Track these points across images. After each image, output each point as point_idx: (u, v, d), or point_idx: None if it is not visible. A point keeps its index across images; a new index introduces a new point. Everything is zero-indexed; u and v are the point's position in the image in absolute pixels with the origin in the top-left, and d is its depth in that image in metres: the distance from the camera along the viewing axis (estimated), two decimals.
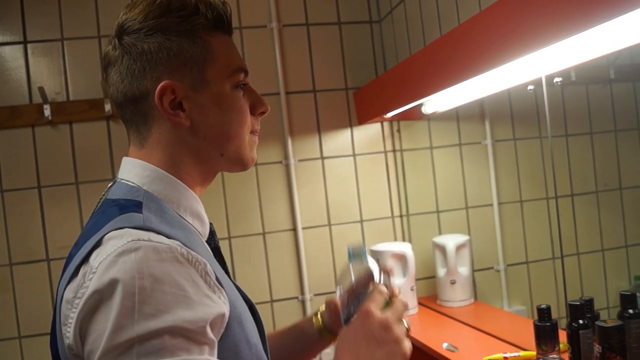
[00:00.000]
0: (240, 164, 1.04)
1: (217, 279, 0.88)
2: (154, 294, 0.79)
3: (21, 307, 2.32)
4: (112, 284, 0.79)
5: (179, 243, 0.85)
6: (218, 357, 0.85)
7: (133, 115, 0.99)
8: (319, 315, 1.32)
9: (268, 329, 1.08)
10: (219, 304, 0.85)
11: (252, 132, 1.05)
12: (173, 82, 0.95)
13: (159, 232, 0.86)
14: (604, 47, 1.37)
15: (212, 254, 1.02)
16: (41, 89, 2.27)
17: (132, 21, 0.97)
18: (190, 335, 0.80)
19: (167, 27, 0.96)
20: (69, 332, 0.82)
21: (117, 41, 0.98)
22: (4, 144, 2.34)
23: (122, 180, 0.99)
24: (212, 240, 1.07)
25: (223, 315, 0.86)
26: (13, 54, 2.36)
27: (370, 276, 1.12)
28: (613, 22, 1.14)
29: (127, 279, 0.79)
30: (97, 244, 0.85)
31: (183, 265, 0.83)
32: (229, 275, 1.06)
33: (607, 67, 1.80)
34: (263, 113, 1.06)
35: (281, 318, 2.55)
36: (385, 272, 1.16)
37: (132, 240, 0.82)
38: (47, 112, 2.31)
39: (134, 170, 0.99)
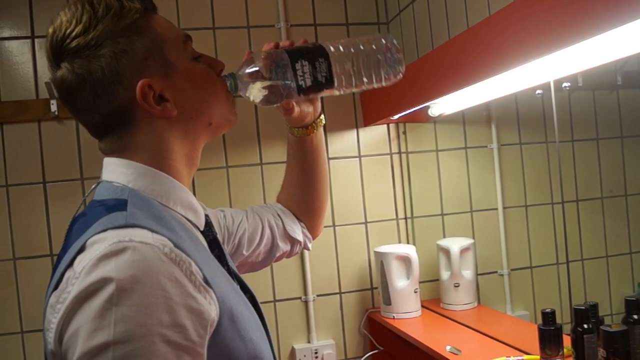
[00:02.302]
0: (228, 121, 1.07)
1: (204, 278, 0.84)
2: (133, 296, 0.76)
3: (24, 302, 2.32)
4: (91, 287, 0.77)
5: (164, 240, 0.83)
6: (208, 357, 0.83)
7: (115, 127, 0.96)
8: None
9: (270, 331, 1.07)
10: (204, 306, 0.82)
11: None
12: (146, 80, 0.93)
13: (143, 227, 0.83)
14: (613, 53, 1.37)
15: (206, 246, 1.01)
16: (48, 84, 2.27)
17: (73, 40, 0.92)
18: (171, 340, 0.77)
19: (110, 31, 0.92)
20: (50, 338, 0.80)
21: (69, 66, 0.93)
22: (10, 138, 2.34)
23: (106, 182, 0.97)
24: (210, 232, 1.06)
25: (213, 321, 0.83)
26: (20, 49, 2.36)
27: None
28: (622, 29, 1.14)
29: (106, 283, 0.76)
30: (81, 249, 0.83)
31: (166, 264, 0.80)
32: (227, 266, 1.06)
33: (615, 73, 1.80)
34: (222, 70, 1.07)
35: (284, 318, 2.55)
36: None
37: (114, 243, 0.79)
38: (53, 107, 2.32)
39: (117, 170, 0.97)
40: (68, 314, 0.78)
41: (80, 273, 0.79)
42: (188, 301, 0.80)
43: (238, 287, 1.03)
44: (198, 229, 1.02)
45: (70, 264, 0.82)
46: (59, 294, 0.81)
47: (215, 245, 1.05)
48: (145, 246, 0.80)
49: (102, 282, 0.76)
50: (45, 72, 2.35)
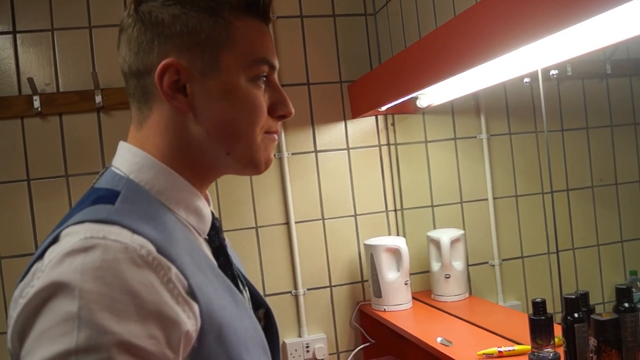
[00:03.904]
0: (252, 166, 0.92)
1: (189, 287, 0.77)
2: (100, 300, 0.68)
3: (9, 301, 2.28)
4: (52, 286, 0.70)
5: (144, 242, 0.75)
6: None
7: (135, 89, 0.91)
8: None
9: None
10: (180, 317, 0.74)
11: (268, 132, 0.92)
12: (179, 61, 0.86)
13: (124, 226, 0.76)
14: (601, 40, 1.36)
15: (209, 254, 0.93)
16: (30, 80, 2.24)
17: None
18: (142, 354, 0.69)
19: (189, 1, 0.87)
20: (8, 335, 0.74)
21: (133, 7, 0.89)
22: None
23: (112, 168, 0.90)
24: (217, 238, 0.97)
25: (186, 333, 0.75)
26: (2, 44, 2.32)
27: None
28: (610, 14, 1.13)
29: (70, 282, 0.69)
30: (54, 240, 0.76)
31: (140, 269, 0.72)
32: (233, 276, 0.97)
33: (604, 62, 1.79)
34: (284, 117, 0.93)
35: (274, 313, 2.52)
36: None
37: (84, 238, 0.73)
38: (36, 103, 2.29)
39: (125, 156, 0.91)
40: (30, 314, 0.71)
41: (46, 267, 0.73)
42: (161, 310, 0.72)
43: (245, 299, 0.97)
44: (201, 235, 0.94)
45: (41, 256, 0.76)
46: (22, 287, 0.74)
47: (220, 253, 0.97)
48: (118, 245, 0.73)
49: (66, 282, 0.70)
50: (27, 68, 2.32)
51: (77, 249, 0.72)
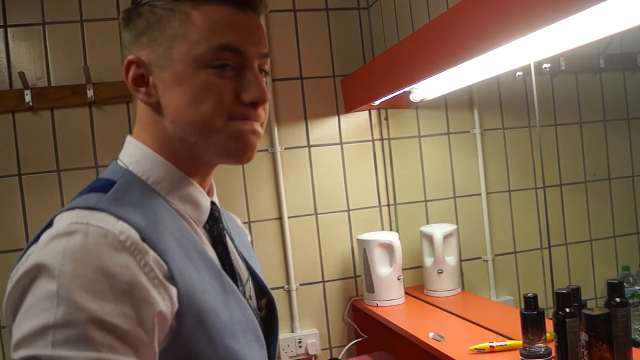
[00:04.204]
0: (225, 155, 0.94)
1: (168, 272, 0.81)
2: (77, 280, 0.74)
3: (2, 296, 2.27)
4: (36, 267, 0.76)
5: (126, 228, 0.80)
6: (168, 357, 0.81)
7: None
8: None
9: None
10: (155, 300, 0.78)
11: (233, 119, 0.91)
12: (138, 56, 0.91)
13: (110, 213, 0.81)
14: (592, 33, 1.35)
15: (206, 241, 0.97)
16: (22, 74, 2.23)
17: None
18: (115, 331, 0.74)
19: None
20: (3, 310, 0.81)
21: (121, 15, 0.97)
22: None
23: (117, 159, 0.96)
24: (215, 227, 1.00)
25: (160, 313, 0.79)
26: None
27: None
28: (602, 7, 1.12)
29: (51, 263, 0.75)
30: (49, 225, 0.82)
31: (118, 252, 0.77)
32: (230, 264, 1.00)
33: (597, 56, 1.79)
34: (255, 103, 0.92)
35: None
36: None
37: (70, 223, 0.79)
38: (27, 97, 2.27)
39: (127, 149, 0.96)
40: (20, 292, 0.77)
41: (35, 249, 0.79)
42: (134, 290, 0.77)
43: (249, 288, 1.02)
44: (198, 224, 0.97)
45: (37, 239, 0.81)
46: (17, 267, 0.80)
47: (219, 242, 1.00)
48: (99, 230, 0.78)
49: (48, 264, 0.75)
50: (18, 62, 2.31)
51: (61, 233, 0.78)
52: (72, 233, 0.77)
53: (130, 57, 0.91)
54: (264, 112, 0.95)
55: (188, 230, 0.92)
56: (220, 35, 0.90)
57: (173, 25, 0.90)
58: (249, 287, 1.05)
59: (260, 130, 0.95)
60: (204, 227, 0.99)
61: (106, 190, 0.87)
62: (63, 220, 0.80)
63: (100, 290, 0.74)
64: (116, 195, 0.87)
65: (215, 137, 0.91)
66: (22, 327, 0.74)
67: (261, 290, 1.08)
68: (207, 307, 0.85)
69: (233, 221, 1.20)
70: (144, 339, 0.76)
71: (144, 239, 0.81)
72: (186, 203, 0.95)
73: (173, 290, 0.81)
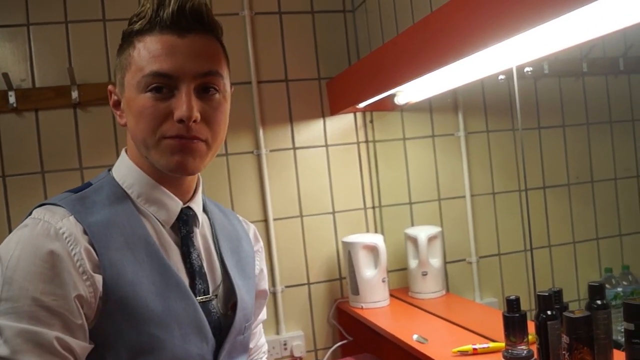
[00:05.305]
0: (164, 168, 1.06)
1: (98, 262, 0.98)
2: (20, 264, 0.93)
3: None
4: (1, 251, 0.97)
5: (70, 222, 0.98)
6: (97, 334, 0.97)
7: None
8: None
9: None
10: (78, 286, 0.95)
11: (165, 136, 1.03)
12: (112, 86, 1.12)
13: (66, 209, 1.00)
14: (575, 37, 1.36)
15: (167, 239, 1.11)
16: (5, 75, 2.21)
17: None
18: (45, 305, 0.92)
19: (125, 34, 1.07)
20: None
21: None
22: None
23: (109, 169, 1.16)
24: (183, 229, 1.13)
25: (80, 296, 0.95)
26: None
27: None
28: (583, 11, 1.13)
29: (5, 250, 0.96)
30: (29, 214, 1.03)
31: (53, 241, 0.95)
32: (190, 264, 1.12)
33: (580, 60, 1.80)
34: (181, 120, 1.02)
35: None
36: None
37: (29, 218, 1.01)
38: (11, 99, 2.26)
39: (117, 162, 1.15)
40: None
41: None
42: (62, 274, 0.94)
43: (196, 286, 1.11)
44: (164, 224, 1.12)
45: None
46: None
47: (185, 242, 1.13)
48: (44, 224, 0.97)
49: (5, 249, 0.96)
50: (2, 63, 2.29)
51: (21, 225, 1.00)
52: (25, 226, 0.99)
53: (110, 86, 1.12)
54: (205, 127, 1.05)
55: (144, 229, 1.07)
56: (153, 63, 1.01)
57: (125, 58, 1.06)
58: (219, 289, 1.17)
59: (199, 145, 1.05)
60: (173, 227, 1.13)
61: (78, 190, 1.07)
62: (30, 215, 1.01)
63: (36, 272, 0.93)
64: (83, 194, 1.06)
65: (152, 153, 1.05)
66: None
67: (230, 292, 1.18)
68: (135, 295, 1.00)
69: (230, 222, 1.32)
70: (68, 316, 0.93)
71: (85, 232, 0.99)
72: (151, 205, 1.10)
73: (98, 278, 0.97)
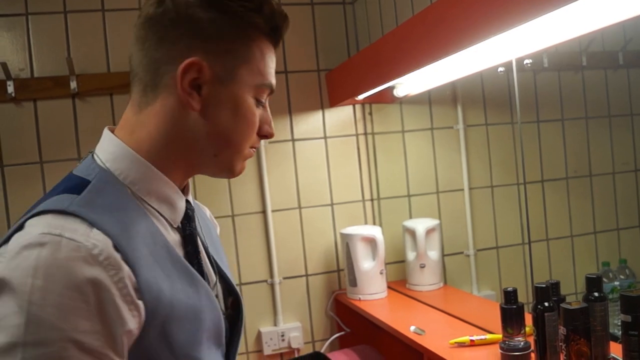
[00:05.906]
0: (229, 171, 0.99)
1: (136, 284, 0.80)
2: (48, 297, 0.73)
3: None
4: (9, 278, 0.74)
5: (99, 239, 0.78)
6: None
7: (146, 73, 0.92)
8: None
9: None
10: (127, 319, 0.79)
11: (252, 147, 0.99)
12: (203, 62, 0.89)
13: (83, 219, 0.79)
14: (574, 30, 1.36)
15: (178, 241, 0.97)
16: (4, 65, 2.21)
17: None
18: (86, 347, 0.74)
19: (226, 9, 0.90)
20: None
21: None
22: None
23: (94, 154, 0.94)
24: (188, 227, 1.00)
25: (129, 331, 0.79)
26: None
27: None
28: (583, 4, 1.14)
29: (20, 277, 0.73)
30: (19, 228, 0.80)
31: (91, 267, 0.76)
32: (198, 264, 1.00)
33: (580, 54, 1.80)
34: (266, 137, 1.00)
35: (250, 302, 2.52)
36: None
37: (42, 234, 0.76)
38: (10, 88, 2.25)
39: (103, 144, 0.94)
40: None
41: (6, 256, 0.77)
42: (108, 308, 0.76)
43: (217, 288, 1.04)
44: (172, 224, 0.97)
45: (7, 240, 0.80)
46: None
47: (190, 242, 1.00)
48: (72, 244, 0.76)
49: (16, 278, 0.74)
50: (1, 53, 2.29)
51: (34, 243, 0.76)
52: (44, 245, 0.75)
53: (195, 58, 0.89)
54: None
55: (161, 236, 0.92)
56: (270, 74, 0.97)
57: (240, 47, 0.92)
58: (217, 287, 1.07)
59: None
60: (178, 226, 0.99)
61: (79, 190, 0.85)
62: (35, 227, 0.78)
63: (72, 307, 0.74)
64: (90, 196, 0.84)
65: (234, 158, 0.97)
66: None
67: (228, 289, 1.10)
68: (173, 318, 0.86)
69: (202, 214, 1.18)
70: (112, 356, 0.77)
71: (116, 248, 0.79)
72: (162, 203, 0.94)
73: (141, 305, 0.81)
